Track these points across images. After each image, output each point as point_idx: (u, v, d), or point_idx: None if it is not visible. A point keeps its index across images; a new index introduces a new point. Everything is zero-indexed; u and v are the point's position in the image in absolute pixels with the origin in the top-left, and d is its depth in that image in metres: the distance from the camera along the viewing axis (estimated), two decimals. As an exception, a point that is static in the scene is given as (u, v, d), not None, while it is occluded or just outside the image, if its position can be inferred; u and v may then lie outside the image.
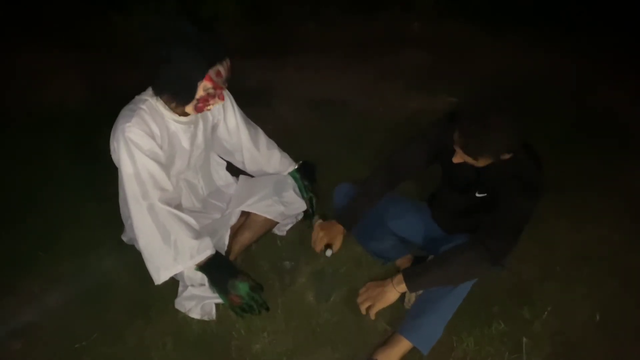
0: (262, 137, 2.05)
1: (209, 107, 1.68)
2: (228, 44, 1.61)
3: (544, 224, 2.18)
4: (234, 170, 2.14)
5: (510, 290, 1.91)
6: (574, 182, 2.44)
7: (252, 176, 2.11)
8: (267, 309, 1.75)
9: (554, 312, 1.83)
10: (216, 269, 1.71)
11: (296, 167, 2.09)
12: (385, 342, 1.70)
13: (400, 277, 1.61)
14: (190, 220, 1.72)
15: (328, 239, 1.80)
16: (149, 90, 1.70)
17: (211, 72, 1.58)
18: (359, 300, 1.69)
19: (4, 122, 3.03)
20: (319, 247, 1.81)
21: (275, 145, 2.08)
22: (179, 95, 1.62)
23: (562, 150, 2.63)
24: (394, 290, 1.61)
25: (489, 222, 1.57)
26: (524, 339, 1.73)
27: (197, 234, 1.71)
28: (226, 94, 1.84)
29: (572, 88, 3.26)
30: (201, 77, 1.57)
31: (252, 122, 2.04)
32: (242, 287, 1.71)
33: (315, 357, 1.72)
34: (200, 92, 1.61)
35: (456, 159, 1.56)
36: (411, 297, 1.79)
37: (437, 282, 1.60)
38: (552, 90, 3.23)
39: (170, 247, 1.67)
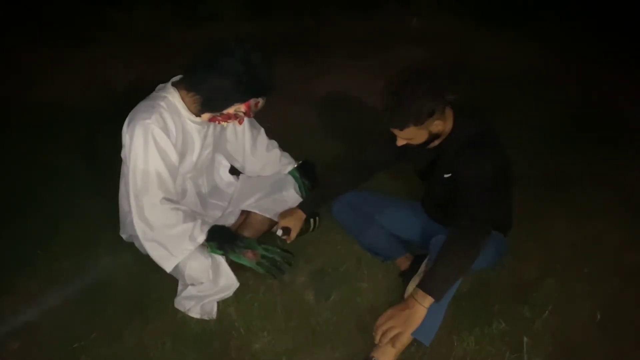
0: (263, 139, 2.04)
1: (224, 123, 1.71)
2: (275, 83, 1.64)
3: (544, 222, 2.17)
4: (233, 170, 2.13)
5: (510, 289, 1.90)
6: (574, 179, 2.43)
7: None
8: (290, 263, 1.78)
9: (555, 311, 1.82)
10: (220, 236, 1.72)
11: (295, 166, 2.08)
12: None
13: (420, 293, 1.48)
14: (186, 209, 1.74)
15: (286, 222, 1.89)
16: (169, 86, 1.70)
17: (252, 101, 1.63)
18: (383, 328, 1.47)
19: (2, 118, 3.02)
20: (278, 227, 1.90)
21: (275, 145, 2.07)
22: (209, 103, 1.63)
23: (562, 147, 2.62)
24: (422, 308, 1.48)
25: (460, 199, 1.57)
26: (525, 338, 1.73)
27: (194, 218, 1.71)
28: None
29: (572, 84, 3.25)
30: (241, 102, 1.62)
31: (256, 123, 2.03)
32: (249, 241, 1.74)
33: (315, 357, 1.71)
34: (229, 110, 1.64)
35: (398, 142, 1.60)
36: (410, 292, 1.77)
37: (454, 278, 1.53)
38: (552, 86, 3.22)
39: (171, 236, 1.68)
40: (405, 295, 1.75)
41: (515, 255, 1.98)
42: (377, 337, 1.47)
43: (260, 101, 1.66)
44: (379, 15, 4.25)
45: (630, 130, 2.80)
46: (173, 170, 1.70)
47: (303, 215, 1.92)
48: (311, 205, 1.95)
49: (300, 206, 1.93)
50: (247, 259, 1.72)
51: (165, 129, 1.64)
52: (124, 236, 2.02)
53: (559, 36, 3.80)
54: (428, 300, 1.47)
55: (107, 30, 4.07)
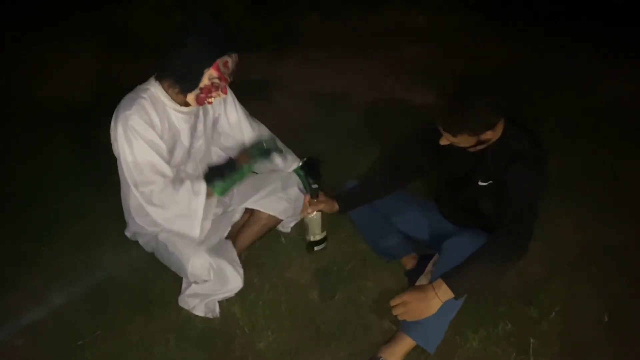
0: (264, 134, 2.02)
1: (210, 100, 1.69)
2: (241, 40, 1.63)
3: (551, 223, 2.15)
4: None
5: (517, 289, 1.89)
6: (581, 179, 2.42)
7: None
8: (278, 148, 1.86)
9: (562, 312, 1.81)
10: (214, 174, 1.75)
11: (300, 164, 2.06)
12: (390, 339, 1.68)
13: (442, 284, 1.48)
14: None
15: (321, 207, 1.83)
16: (152, 80, 1.70)
17: (219, 62, 1.60)
18: (397, 308, 1.53)
19: (5, 115, 3.02)
20: (309, 210, 1.82)
21: (278, 142, 2.05)
22: (184, 81, 1.63)
23: (568, 147, 2.60)
24: (438, 300, 1.49)
25: (506, 210, 1.55)
26: (531, 339, 1.71)
27: (183, 181, 1.73)
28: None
29: (578, 83, 3.23)
30: (208, 65, 1.59)
31: (254, 118, 2.01)
32: (236, 159, 1.79)
33: (319, 356, 1.71)
34: (204, 81, 1.62)
35: (442, 141, 1.58)
36: None
37: (479, 281, 1.52)
38: (558, 84, 3.19)
39: (182, 206, 1.70)
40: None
41: (522, 255, 1.97)
42: (395, 313, 1.53)
43: (229, 60, 1.63)
44: (385, 12, 4.22)
45: (639, 129, 2.77)
46: (163, 155, 1.69)
47: (336, 207, 1.88)
48: (349, 203, 1.90)
49: (339, 200, 1.88)
50: (245, 167, 1.78)
51: (148, 120, 1.64)
52: (128, 234, 2.01)
53: (565, 34, 3.77)
54: (447, 295, 1.48)
55: (110, 26, 4.07)
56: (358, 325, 1.79)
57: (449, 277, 1.49)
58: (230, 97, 1.90)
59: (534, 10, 4.07)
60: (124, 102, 1.66)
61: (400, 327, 1.66)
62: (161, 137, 1.67)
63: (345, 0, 4.35)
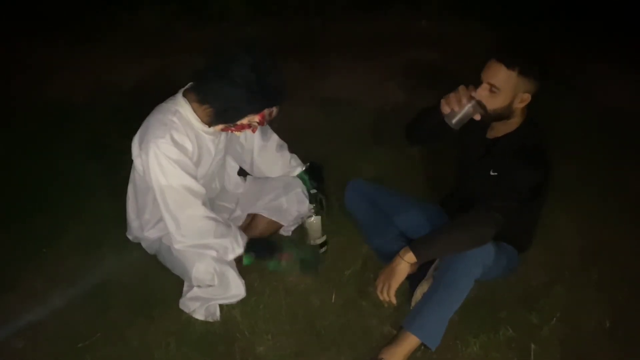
0: (273, 141, 2.02)
1: (238, 133, 1.69)
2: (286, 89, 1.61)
3: (552, 228, 2.14)
4: (240, 171, 2.12)
5: (518, 295, 1.89)
6: (582, 185, 2.41)
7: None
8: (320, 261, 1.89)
9: (563, 318, 1.80)
10: (257, 247, 1.77)
11: (304, 169, 2.07)
12: (391, 340, 1.67)
13: (408, 251, 1.60)
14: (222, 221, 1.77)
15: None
16: (180, 98, 1.65)
17: (266, 111, 1.61)
18: (375, 286, 1.67)
19: (8, 118, 3.03)
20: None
21: (286, 147, 2.06)
22: (223, 115, 1.59)
23: (571, 152, 2.59)
24: (402, 262, 1.60)
25: (490, 189, 1.63)
26: (532, 345, 1.71)
27: (229, 229, 1.75)
28: None
29: (579, 87, 3.22)
30: (256, 113, 1.59)
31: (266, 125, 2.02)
32: (284, 244, 1.80)
33: (319, 360, 1.70)
34: (243, 121, 1.61)
35: (481, 88, 1.57)
36: (417, 297, 1.76)
37: (444, 248, 1.60)
38: (559, 88, 3.19)
39: (211, 247, 1.72)
40: (413, 302, 1.75)
41: (524, 261, 1.96)
42: (379, 295, 1.65)
43: (274, 109, 1.64)
44: (388, 17, 4.22)
45: (640, 135, 2.77)
46: (195, 176, 1.69)
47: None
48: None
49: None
50: (282, 263, 1.78)
51: (181, 146, 1.61)
52: (130, 237, 2.02)
53: (566, 38, 3.77)
54: (410, 257, 1.59)
55: (114, 29, 4.08)
56: (358, 330, 1.79)
57: (415, 244, 1.60)
58: None
59: (536, 15, 4.07)
60: (153, 123, 1.61)
61: (402, 325, 1.66)
62: (192, 159, 1.67)
63: (349, 5, 4.35)
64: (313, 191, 1.98)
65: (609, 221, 2.20)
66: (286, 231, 2.10)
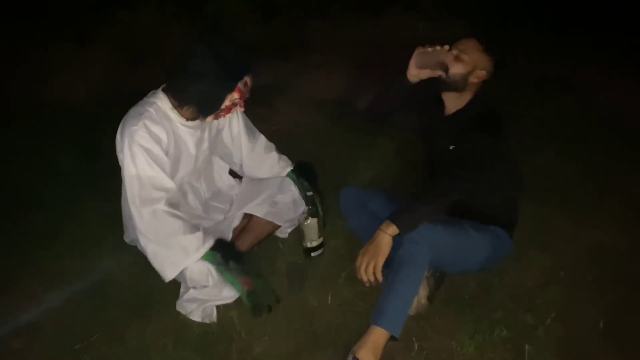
0: (261, 142, 2.03)
1: (229, 115, 1.73)
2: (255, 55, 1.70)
3: (547, 229, 2.16)
4: (235, 172, 2.13)
5: (513, 295, 1.89)
6: (577, 185, 2.42)
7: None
8: (271, 310, 1.78)
9: (558, 318, 1.80)
10: (226, 249, 1.74)
11: (291, 168, 2.07)
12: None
13: (389, 224, 1.62)
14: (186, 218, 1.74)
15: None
16: (159, 92, 1.71)
17: (240, 85, 1.63)
18: (358, 266, 1.64)
19: (6, 119, 3.03)
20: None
21: (273, 147, 2.07)
22: (205, 107, 1.65)
23: (567, 153, 2.60)
24: (386, 235, 1.61)
25: (455, 159, 1.74)
26: (527, 346, 1.71)
27: (196, 230, 1.71)
28: None
29: (578, 88, 3.23)
30: (231, 91, 1.63)
31: (251, 126, 2.03)
32: (251, 268, 1.76)
33: (316, 361, 1.71)
34: (226, 103, 1.65)
35: (453, 52, 1.74)
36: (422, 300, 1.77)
37: (421, 219, 1.63)
38: (558, 89, 3.20)
39: (173, 245, 1.67)
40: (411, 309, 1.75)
41: (519, 261, 1.97)
42: (359, 275, 1.64)
43: (247, 79, 1.67)
44: (386, 18, 4.23)
45: (636, 136, 2.77)
46: (166, 170, 1.70)
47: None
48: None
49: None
50: (240, 284, 1.72)
51: (155, 136, 1.64)
52: (127, 240, 2.02)
53: (565, 41, 3.78)
54: (392, 229, 1.61)
55: (113, 29, 4.08)
56: (355, 331, 1.79)
57: (394, 216, 1.64)
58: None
59: (534, 18, 4.08)
60: (131, 115, 1.66)
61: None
62: (167, 152, 1.68)
63: (347, 6, 4.36)
64: (309, 193, 1.98)
65: (605, 222, 2.21)
66: (282, 233, 2.11)
